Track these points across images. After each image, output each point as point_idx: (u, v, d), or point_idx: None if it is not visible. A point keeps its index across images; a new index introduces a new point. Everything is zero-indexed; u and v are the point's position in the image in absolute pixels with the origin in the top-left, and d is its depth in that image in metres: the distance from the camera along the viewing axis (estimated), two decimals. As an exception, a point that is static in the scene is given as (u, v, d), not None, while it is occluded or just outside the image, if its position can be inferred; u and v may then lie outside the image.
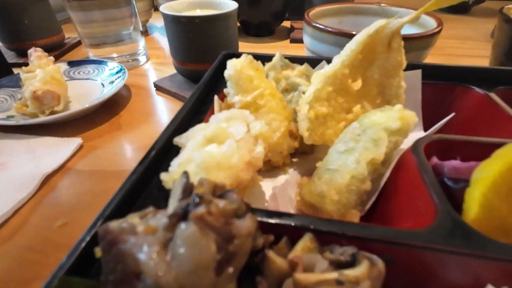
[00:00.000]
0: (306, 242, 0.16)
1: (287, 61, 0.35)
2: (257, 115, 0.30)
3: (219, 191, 0.14)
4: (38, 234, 0.32)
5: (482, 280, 0.16)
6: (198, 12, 0.59)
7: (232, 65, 0.31)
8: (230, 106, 0.32)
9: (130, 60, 0.74)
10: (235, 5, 0.54)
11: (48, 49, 0.77)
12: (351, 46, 0.31)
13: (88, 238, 0.17)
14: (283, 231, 0.18)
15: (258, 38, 0.91)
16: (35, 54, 0.57)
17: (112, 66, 0.63)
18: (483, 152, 0.20)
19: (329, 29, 0.48)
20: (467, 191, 0.19)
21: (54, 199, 0.37)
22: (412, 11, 0.53)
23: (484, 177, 0.18)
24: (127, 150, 0.45)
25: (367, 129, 0.27)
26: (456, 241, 0.16)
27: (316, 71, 0.32)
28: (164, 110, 0.56)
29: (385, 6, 0.60)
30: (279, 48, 0.84)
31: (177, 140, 0.23)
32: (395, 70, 0.32)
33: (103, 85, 0.61)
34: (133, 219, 0.14)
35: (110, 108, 0.55)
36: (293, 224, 0.18)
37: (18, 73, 0.58)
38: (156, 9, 0.92)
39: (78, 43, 0.88)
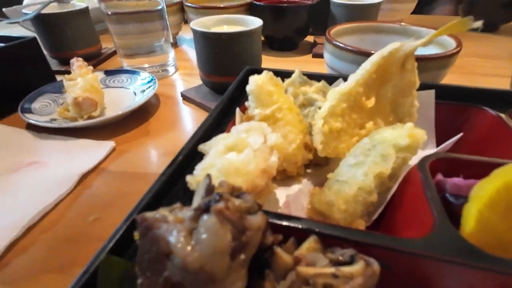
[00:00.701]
0: (311, 243, 0.18)
1: (305, 77, 0.38)
2: (275, 127, 0.33)
3: (236, 193, 0.17)
4: (74, 227, 0.36)
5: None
6: (225, 28, 0.63)
7: (254, 80, 0.34)
8: (250, 118, 0.35)
9: (160, 71, 0.79)
10: (259, 23, 0.58)
11: (87, 58, 0.84)
12: (366, 66, 0.34)
13: (125, 227, 0.20)
14: (291, 233, 0.20)
15: (281, 52, 0.94)
16: (77, 63, 0.63)
17: (144, 76, 0.68)
18: (486, 171, 0.22)
19: (348, 48, 0.50)
20: (465, 207, 0.20)
21: (89, 196, 0.41)
22: (432, 31, 0.54)
23: (481, 194, 0.19)
24: (154, 155, 0.49)
25: (377, 145, 0.28)
26: (448, 250, 0.18)
27: (332, 88, 0.34)
28: (189, 119, 0.60)
29: (406, 25, 0.62)
30: (301, 63, 0.87)
31: (202, 147, 0.26)
32: (409, 90, 0.34)
33: (135, 93, 0.66)
34: (164, 211, 0.16)
35: (140, 115, 0.60)
36: (300, 226, 0.20)
37: (61, 80, 0.65)
38: (186, 22, 0.98)
39: (114, 53, 0.95)
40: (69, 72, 0.62)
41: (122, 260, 0.18)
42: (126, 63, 0.78)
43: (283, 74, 0.39)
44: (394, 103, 0.34)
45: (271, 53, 0.93)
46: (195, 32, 0.57)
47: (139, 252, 0.15)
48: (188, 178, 0.23)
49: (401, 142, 0.27)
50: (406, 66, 0.33)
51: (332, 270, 0.15)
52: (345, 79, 0.38)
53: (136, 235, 0.15)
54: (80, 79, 0.58)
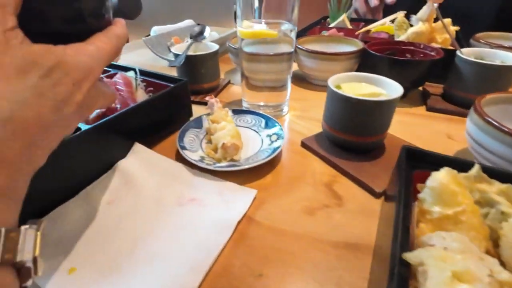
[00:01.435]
0: None
1: (484, 175, 0.37)
2: (456, 230, 0.33)
3: None
4: (240, 279, 0.40)
5: None
6: (363, 86, 0.64)
7: (437, 178, 0.35)
8: (424, 213, 0.35)
9: (277, 110, 0.84)
10: (400, 91, 0.59)
11: (209, 90, 0.94)
12: None
13: None
14: None
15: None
16: (217, 105, 0.71)
17: (271, 122, 0.73)
18: None
19: (506, 130, 0.48)
20: None
21: (245, 247, 0.45)
22: None
23: None
24: (294, 211, 0.52)
25: None
26: None
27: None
28: (315, 172, 0.62)
29: None
30: (415, 116, 0.84)
31: (411, 257, 0.27)
32: None
33: (259, 135, 0.72)
34: None
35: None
36: None
37: (201, 116, 0.74)
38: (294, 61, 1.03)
39: (228, 83, 1.05)
40: (199, 102, 0.72)
41: None
42: (246, 98, 0.85)
43: (456, 164, 0.38)
44: None
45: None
46: (334, 92, 0.60)
47: None
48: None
49: None
50: None
51: None
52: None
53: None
54: (225, 123, 0.65)
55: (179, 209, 0.51)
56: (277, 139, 0.67)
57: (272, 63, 0.76)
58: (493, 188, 0.36)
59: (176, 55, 0.89)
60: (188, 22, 1.56)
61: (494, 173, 0.38)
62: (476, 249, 0.27)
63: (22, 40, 0.27)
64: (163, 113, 0.71)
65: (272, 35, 0.69)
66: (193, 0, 3.54)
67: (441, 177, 0.35)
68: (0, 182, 0.26)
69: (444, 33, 1.04)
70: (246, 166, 0.57)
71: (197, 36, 1.04)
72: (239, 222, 0.49)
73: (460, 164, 0.39)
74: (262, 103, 0.84)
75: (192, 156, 0.61)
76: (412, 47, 0.96)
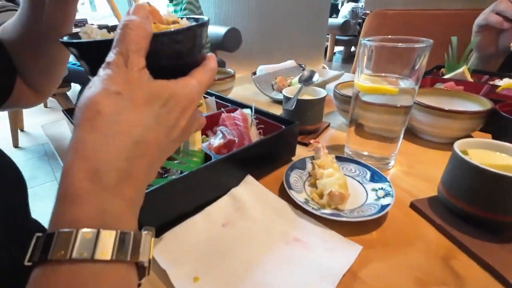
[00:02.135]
0: None
1: None
2: None
3: None
4: None
5: None
6: (497, 156, 0.58)
7: None
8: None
9: (382, 163, 0.81)
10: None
11: (311, 132, 0.98)
12: None
13: None
14: None
15: None
16: (324, 151, 0.74)
17: (378, 176, 0.71)
18: None
19: None
20: None
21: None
22: None
23: None
24: (400, 276, 0.49)
25: None
26: None
27: None
28: (425, 238, 0.57)
29: None
30: None
31: None
32: None
33: (363, 187, 0.70)
34: None
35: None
36: None
37: (305, 158, 0.77)
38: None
39: (328, 126, 1.07)
40: (299, 143, 0.78)
41: None
42: (350, 145, 0.84)
43: None
44: None
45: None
46: (464, 160, 0.55)
47: None
48: None
49: None
50: None
51: None
52: None
53: None
54: (332, 170, 0.67)
55: (285, 246, 0.53)
56: (385, 195, 0.64)
57: (389, 114, 0.75)
58: None
59: (288, 98, 0.96)
60: (290, 62, 1.68)
61: None
62: None
63: (148, 77, 0.32)
64: (273, 150, 0.77)
65: (392, 92, 0.69)
66: (284, 38, 3.80)
67: None
68: (130, 195, 0.30)
69: None
70: (353, 219, 0.57)
71: (307, 81, 1.12)
72: (343, 275, 0.48)
73: None
74: (366, 153, 0.82)
75: (298, 197, 0.64)
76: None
